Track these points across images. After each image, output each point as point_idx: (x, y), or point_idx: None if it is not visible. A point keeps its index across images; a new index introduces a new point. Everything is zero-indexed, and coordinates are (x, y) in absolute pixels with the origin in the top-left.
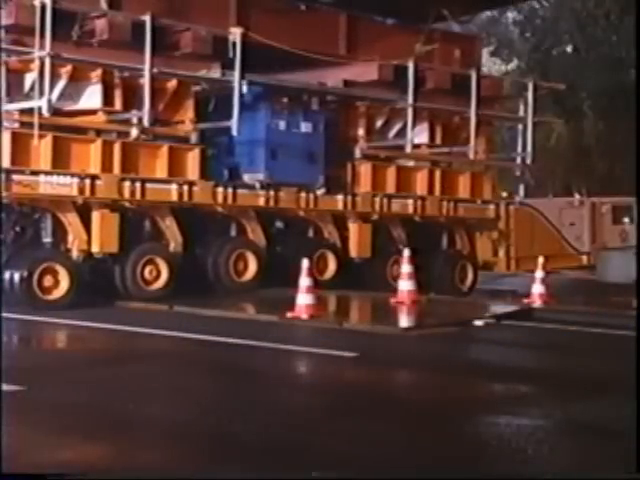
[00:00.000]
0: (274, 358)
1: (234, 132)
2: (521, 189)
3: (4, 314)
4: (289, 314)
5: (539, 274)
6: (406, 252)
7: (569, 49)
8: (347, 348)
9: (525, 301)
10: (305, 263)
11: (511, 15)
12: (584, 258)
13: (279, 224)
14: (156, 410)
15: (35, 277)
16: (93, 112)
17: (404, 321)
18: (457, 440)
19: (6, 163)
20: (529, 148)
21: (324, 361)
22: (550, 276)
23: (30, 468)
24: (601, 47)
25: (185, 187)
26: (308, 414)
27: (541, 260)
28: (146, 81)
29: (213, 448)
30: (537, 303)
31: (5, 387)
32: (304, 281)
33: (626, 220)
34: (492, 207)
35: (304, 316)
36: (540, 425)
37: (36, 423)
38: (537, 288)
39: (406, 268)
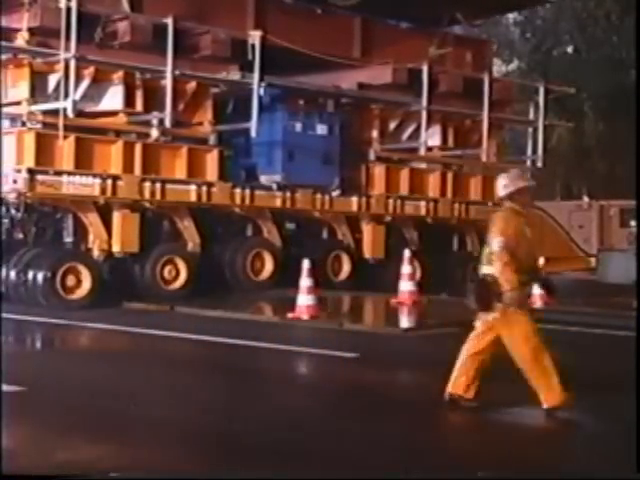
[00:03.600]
0: (274, 359)
1: (253, 133)
2: None
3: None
4: (290, 315)
5: None
6: (406, 253)
7: (570, 50)
8: (348, 349)
9: None
10: (306, 264)
11: (512, 16)
12: (592, 260)
13: (294, 225)
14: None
15: (58, 277)
16: (114, 113)
17: (405, 322)
18: (452, 436)
19: (31, 163)
20: (540, 151)
21: (325, 362)
22: (550, 277)
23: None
24: (602, 48)
25: (204, 188)
26: (309, 414)
27: (542, 261)
28: (168, 83)
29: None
30: (538, 303)
31: (5, 387)
32: (305, 282)
33: (633, 223)
34: None
35: (305, 317)
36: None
37: None
38: (537, 289)
39: (406, 269)
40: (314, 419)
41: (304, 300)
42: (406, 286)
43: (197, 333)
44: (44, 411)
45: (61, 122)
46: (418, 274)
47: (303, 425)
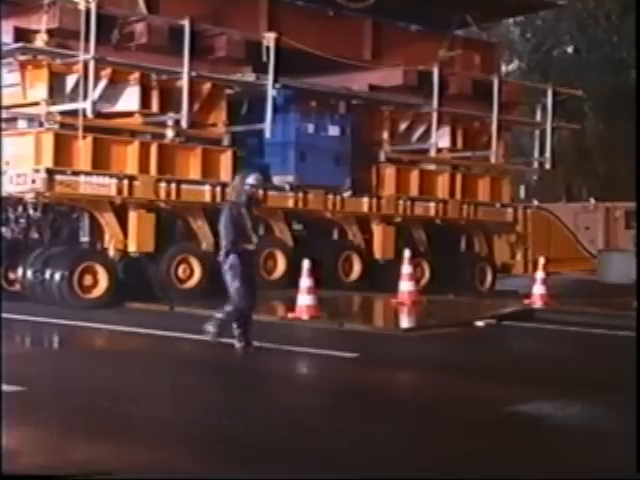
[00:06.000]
0: (274, 359)
1: (267, 134)
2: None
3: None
4: (290, 315)
5: (540, 275)
6: (406, 253)
7: (570, 50)
8: (348, 349)
9: (526, 302)
10: (306, 264)
11: None
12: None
13: (301, 225)
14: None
15: (76, 276)
16: (130, 114)
17: (405, 322)
18: (454, 435)
19: (49, 163)
20: (548, 153)
21: (325, 362)
22: (551, 277)
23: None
24: (602, 48)
25: (218, 188)
26: (309, 414)
27: (542, 261)
28: (184, 84)
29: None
30: (538, 304)
31: (5, 387)
32: (305, 282)
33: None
34: (510, 211)
35: (305, 317)
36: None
37: None
38: (538, 289)
39: (406, 269)
40: (314, 419)
41: (304, 300)
42: (406, 286)
43: (197, 333)
44: (43, 411)
45: (80, 123)
46: (427, 274)
47: (303, 425)
